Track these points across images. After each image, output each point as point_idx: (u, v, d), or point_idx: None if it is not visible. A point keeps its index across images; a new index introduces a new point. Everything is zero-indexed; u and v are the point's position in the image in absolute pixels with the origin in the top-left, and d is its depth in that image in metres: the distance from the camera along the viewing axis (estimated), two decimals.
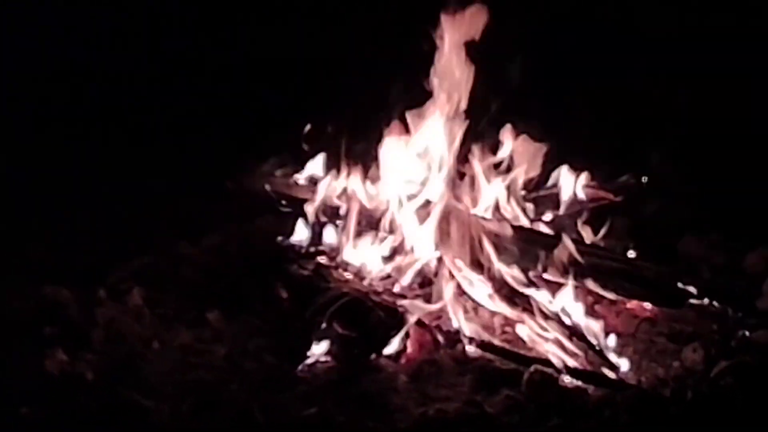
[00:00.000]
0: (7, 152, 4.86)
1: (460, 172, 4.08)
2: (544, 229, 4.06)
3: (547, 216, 4.20)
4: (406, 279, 3.83)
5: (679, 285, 3.70)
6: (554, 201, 4.25)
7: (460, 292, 3.74)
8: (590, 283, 3.68)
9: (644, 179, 4.44)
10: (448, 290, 3.69)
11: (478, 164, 4.05)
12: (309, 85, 5.39)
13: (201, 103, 5.36)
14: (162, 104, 5.30)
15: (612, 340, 3.54)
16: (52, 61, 5.40)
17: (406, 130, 4.02)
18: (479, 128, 4.07)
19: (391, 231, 3.96)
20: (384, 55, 4.89)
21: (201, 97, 5.40)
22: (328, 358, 3.48)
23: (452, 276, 3.74)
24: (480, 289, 3.71)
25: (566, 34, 5.21)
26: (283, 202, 4.31)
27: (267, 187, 4.36)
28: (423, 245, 3.86)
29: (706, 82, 5.10)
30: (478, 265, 3.74)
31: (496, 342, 3.57)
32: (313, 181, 4.27)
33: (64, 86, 5.35)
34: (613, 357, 3.44)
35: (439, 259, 3.82)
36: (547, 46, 4.98)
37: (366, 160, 4.12)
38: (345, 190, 4.11)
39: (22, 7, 5.32)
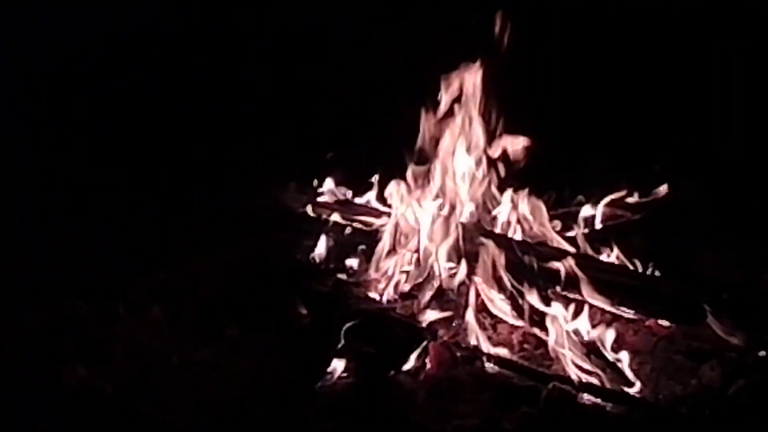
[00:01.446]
0: (28, 167, 4.90)
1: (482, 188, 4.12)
2: (564, 246, 4.06)
3: (568, 233, 4.20)
4: (426, 296, 3.84)
5: (697, 303, 3.70)
6: (574, 219, 4.26)
7: (480, 308, 3.76)
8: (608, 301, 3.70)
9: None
10: (468, 307, 3.72)
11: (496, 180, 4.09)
12: (330, 103, 5.41)
13: (221, 120, 5.38)
14: (183, 121, 5.33)
15: (629, 358, 3.54)
16: (80, 75, 5.44)
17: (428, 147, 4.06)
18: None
19: (412, 248, 3.98)
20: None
21: (218, 113, 5.43)
22: (347, 374, 3.48)
23: (471, 293, 3.76)
24: (500, 305, 3.72)
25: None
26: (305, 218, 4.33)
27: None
28: (442, 262, 3.88)
29: (724, 98, 5.11)
30: (497, 282, 3.75)
31: (515, 359, 3.57)
32: (335, 199, 4.30)
33: (84, 101, 5.39)
34: (630, 374, 3.44)
35: (458, 276, 3.84)
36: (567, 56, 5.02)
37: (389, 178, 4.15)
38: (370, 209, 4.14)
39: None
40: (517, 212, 4.10)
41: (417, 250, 3.97)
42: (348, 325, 3.56)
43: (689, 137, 4.93)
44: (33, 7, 5.40)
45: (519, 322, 3.71)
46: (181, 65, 5.61)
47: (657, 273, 3.98)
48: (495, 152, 4.09)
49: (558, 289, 3.75)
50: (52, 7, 5.41)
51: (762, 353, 3.53)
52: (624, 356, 3.50)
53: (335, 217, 4.33)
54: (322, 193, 4.42)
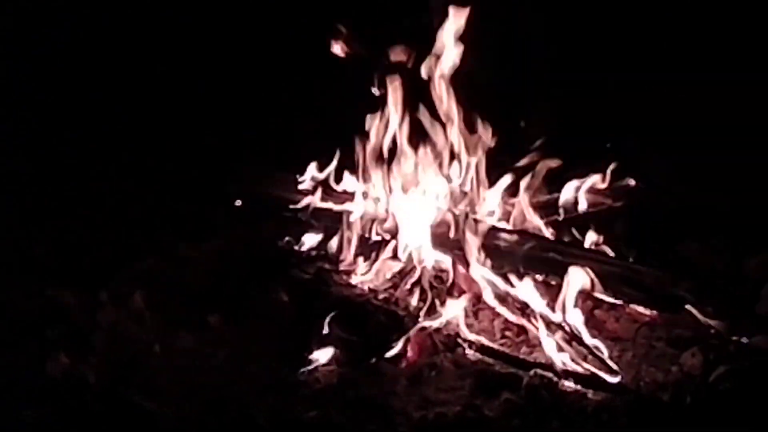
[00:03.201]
0: (11, 155, 4.89)
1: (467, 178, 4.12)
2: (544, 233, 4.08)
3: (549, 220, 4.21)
4: (408, 283, 3.85)
5: (678, 290, 3.71)
6: (555, 205, 4.26)
7: (460, 295, 3.77)
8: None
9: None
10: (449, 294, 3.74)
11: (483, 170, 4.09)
12: (312, 89, 5.40)
13: (203, 107, 5.38)
14: (165, 108, 5.33)
15: (611, 345, 3.56)
16: (55, 62, 5.43)
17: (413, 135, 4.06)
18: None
19: (393, 236, 3.98)
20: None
21: (203, 101, 5.42)
22: (330, 362, 3.49)
23: (453, 280, 3.78)
24: (483, 293, 3.74)
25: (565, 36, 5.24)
26: (289, 206, 4.32)
27: (270, 191, 4.37)
28: (424, 249, 3.89)
29: (707, 86, 5.11)
30: (478, 268, 3.77)
31: (496, 346, 3.58)
32: (315, 186, 4.29)
33: (69, 91, 5.38)
34: (611, 362, 3.45)
35: (441, 263, 3.85)
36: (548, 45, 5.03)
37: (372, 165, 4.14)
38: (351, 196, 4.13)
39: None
40: (500, 198, 4.12)
41: (397, 237, 3.98)
42: (331, 314, 3.58)
43: (669, 124, 4.96)
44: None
45: (502, 309, 3.72)
46: (170, 56, 5.60)
47: (638, 260, 4.00)
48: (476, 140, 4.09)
49: (539, 276, 3.77)
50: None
51: (743, 340, 3.55)
52: (605, 343, 3.51)
53: (318, 204, 4.29)
54: (304, 181, 4.39)
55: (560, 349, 3.45)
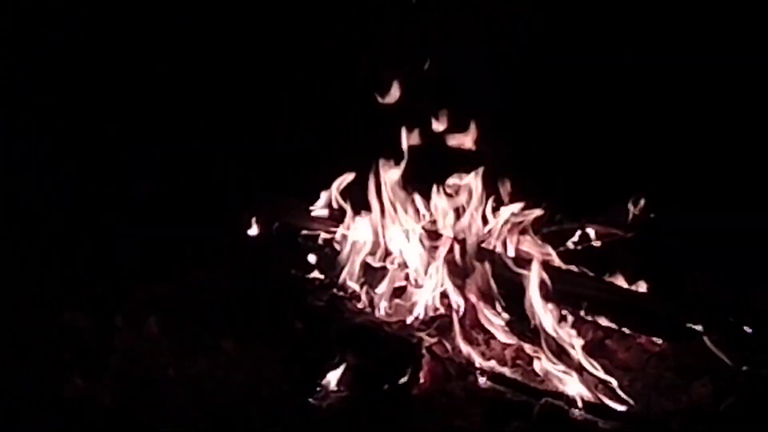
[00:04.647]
0: (27, 180, 4.92)
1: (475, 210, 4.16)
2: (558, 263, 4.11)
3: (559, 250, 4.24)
4: (419, 311, 3.88)
5: (688, 321, 3.74)
6: (565, 237, 4.29)
7: (472, 324, 3.80)
8: (601, 318, 3.75)
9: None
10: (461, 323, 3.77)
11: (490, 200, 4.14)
12: (326, 121, 5.44)
13: (220, 134, 5.41)
14: (183, 134, 5.36)
15: (621, 374, 3.58)
16: (70, 89, 5.47)
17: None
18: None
19: (405, 264, 4.02)
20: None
21: (221, 128, 5.45)
22: (342, 388, 3.51)
23: (465, 308, 3.81)
24: (493, 321, 3.76)
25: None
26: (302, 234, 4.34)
27: (285, 220, 4.39)
28: (435, 277, 3.92)
29: (709, 118, 5.14)
30: (489, 297, 3.79)
31: (508, 374, 3.61)
32: (330, 214, 4.32)
33: (85, 111, 5.42)
34: (622, 391, 3.47)
35: (452, 292, 3.89)
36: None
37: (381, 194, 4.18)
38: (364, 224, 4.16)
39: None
40: (510, 229, 4.15)
41: (408, 266, 4.02)
42: (343, 340, 3.60)
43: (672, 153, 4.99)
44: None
45: (511, 339, 3.75)
46: (178, 79, 5.63)
47: (648, 291, 4.03)
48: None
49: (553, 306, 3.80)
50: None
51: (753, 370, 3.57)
52: (616, 373, 3.54)
53: (330, 231, 4.31)
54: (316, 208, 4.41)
55: (571, 377, 3.48)
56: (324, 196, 4.42)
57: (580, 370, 3.49)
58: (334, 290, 4.05)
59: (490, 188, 4.17)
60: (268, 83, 5.57)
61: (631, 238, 4.34)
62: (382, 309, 3.92)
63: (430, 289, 3.92)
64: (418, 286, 3.97)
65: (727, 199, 4.74)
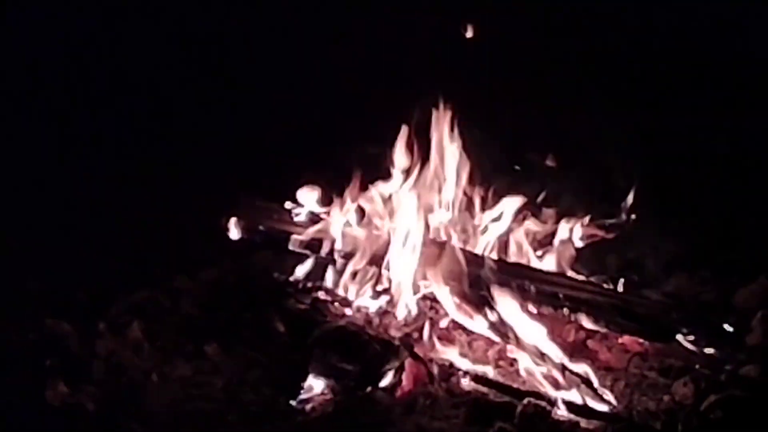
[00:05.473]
0: (9, 186, 4.91)
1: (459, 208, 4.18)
2: (537, 265, 4.12)
3: (540, 252, 4.25)
4: (401, 313, 3.89)
5: (670, 320, 3.76)
6: (548, 238, 4.30)
7: (455, 325, 3.81)
8: (583, 318, 3.76)
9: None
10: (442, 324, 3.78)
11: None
12: (306, 121, 5.46)
13: (200, 139, 5.41)
14: (162, 139, 5.36)
15: (603, 374, 3.59)
16: (58, 91, 5.47)
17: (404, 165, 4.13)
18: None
19: (387, 266, 4.02)
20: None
21: (200, 133, 5.46)
22: (325, 391, 3.51)
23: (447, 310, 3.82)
24: (475, 322, 3.77)
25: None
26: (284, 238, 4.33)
27: (263, 223, 4.38)
28: (417, 280, 3.93)
29: (697, 118, 5.17)
30: (471, 299, 3.80)
31: (490, 375, 3.62)
32: (311, 217, 4.31)
33: (69, 120, 5.42)
34: (604, 391, 3.49)
35: (434, 294, 3.89)
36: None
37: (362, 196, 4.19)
38: (343, 226, 4.16)
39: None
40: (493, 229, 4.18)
41: (390, 268, 4.02)
42: (327, 342, 3.61)
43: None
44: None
45: (494, 338, 3.76)
46: (167, 87, 5.65)
47: (631, 291, 4.05)
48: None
49: (533, 306, 3.81)
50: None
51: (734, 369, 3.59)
52: (598, 373, 3.55)
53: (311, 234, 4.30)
54: (298, 212, 4.40)
55: (553, 377, 3.49)
56: (305, 199, 4.41)
57: (562, 369, 3.50)
58: (317, 293, 4.05)
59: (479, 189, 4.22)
60: (249, 87, 5.61)
61: (613, 239, 4.36)
62: (364, 312, 3.93)
63: (412, 291, 3.93)
64: (399, 288, 3.98)
65: (709, 202, 4.78)
